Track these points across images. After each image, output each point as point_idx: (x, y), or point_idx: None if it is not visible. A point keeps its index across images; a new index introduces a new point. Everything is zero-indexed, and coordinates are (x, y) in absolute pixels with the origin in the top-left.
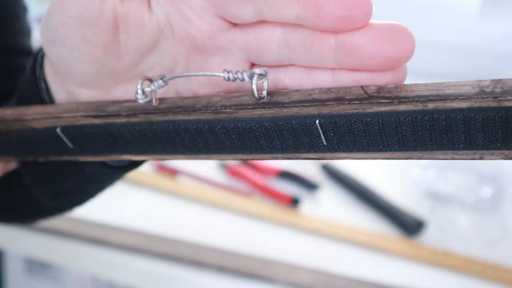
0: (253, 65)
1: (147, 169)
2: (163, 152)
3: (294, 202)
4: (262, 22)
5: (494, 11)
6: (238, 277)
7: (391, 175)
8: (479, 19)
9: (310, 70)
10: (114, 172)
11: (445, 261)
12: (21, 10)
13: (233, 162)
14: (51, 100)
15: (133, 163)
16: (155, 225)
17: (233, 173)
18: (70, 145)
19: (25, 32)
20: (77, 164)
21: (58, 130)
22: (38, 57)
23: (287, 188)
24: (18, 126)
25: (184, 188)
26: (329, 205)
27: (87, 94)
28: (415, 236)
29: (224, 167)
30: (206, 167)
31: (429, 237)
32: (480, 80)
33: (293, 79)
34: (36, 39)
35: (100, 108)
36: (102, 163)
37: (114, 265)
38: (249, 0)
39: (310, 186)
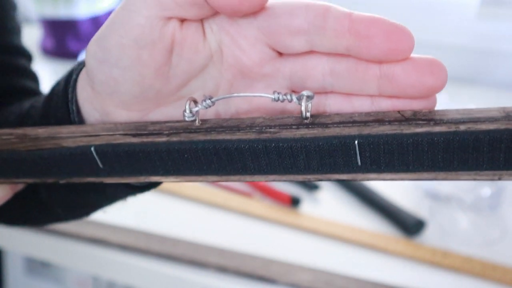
0: (293, 91)
1: None
2: (196, 173)
3: (294, 202)
4: (309, 52)
5: (493, 11)
6: (238, 276)
7: None
8: (477, 19)
9: (350, 97)
10: (134, 192)
11: (445, 261)
12: (11, 8)
13: None
14: (80, 122)
15: (153, 183)
16: (155, 225)
17: None
18: (100, 165)
19: (16, 30)
20: (100, 184)
21: (92, 148)
22: (71, 80)
23: (287, 188)
24: (50, 144)
25: (184, 188)
26: (329, 205)
27: (124, 116)
28: (415, 236)
29: None
30: None
31: (429, 237)
32: (505, 107)
33: (333, 104)
34: (26, 38)
35: (140, 127)
36: (125, 184)
37: (114, 265)
38: (302, 31)
39: (310, 186)
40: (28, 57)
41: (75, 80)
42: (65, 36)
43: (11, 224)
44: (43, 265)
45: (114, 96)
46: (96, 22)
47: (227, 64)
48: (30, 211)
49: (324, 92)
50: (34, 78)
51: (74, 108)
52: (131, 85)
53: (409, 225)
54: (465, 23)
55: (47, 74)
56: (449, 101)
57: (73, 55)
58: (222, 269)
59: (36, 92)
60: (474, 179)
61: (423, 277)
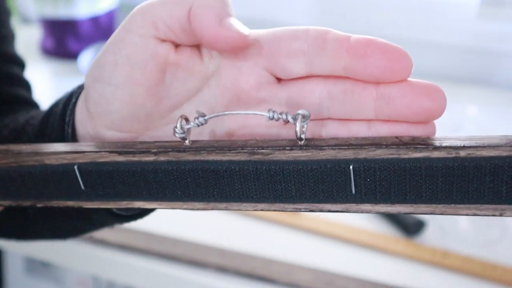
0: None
1: None
2: (181, 199)
3: None
4: (306, 77)
5: (493, 11)
6: (238, 277)
7: None
8: (477, 19)
9: (347, 122)
10: (121, 221)
11: (445, 261)
12: (5, 15)
13: None
14: None
15: (143, 212)
16: (155, 225)
17: None
18: (82, 186)
19: (9, 38)
20: (85, 210)
21: (75, 167)
22: (70, 103)
23: None
24: (32, 161)
25: None
26: None
27: (115, 137)
28: (415, 236)
29: None
30: None
31: (429, 237)
32: (507, 135)
33: (329, 130)
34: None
35: (128, 146)
36: (112, 213)
37: (114, 265)
38: (301, 53)
39: None
40: (21, 65)
41: (74, 104)
42: (65, 36)
43: None
44: (43, 265)
45: (105, 116)
46: (96, 22)
47: (224, 87)
48: (16, 226)
49: (321, 118)
50: (27, 86)
51: (69, 130)
52: (122, 104)
53: (409, 225)
54: (465, 23)
55: (47, 74)
56: (449, 101)
57: (73, 55)
58: (222, 269)
59: (28, 100)
60: (474, 214)
61: (423, 277)
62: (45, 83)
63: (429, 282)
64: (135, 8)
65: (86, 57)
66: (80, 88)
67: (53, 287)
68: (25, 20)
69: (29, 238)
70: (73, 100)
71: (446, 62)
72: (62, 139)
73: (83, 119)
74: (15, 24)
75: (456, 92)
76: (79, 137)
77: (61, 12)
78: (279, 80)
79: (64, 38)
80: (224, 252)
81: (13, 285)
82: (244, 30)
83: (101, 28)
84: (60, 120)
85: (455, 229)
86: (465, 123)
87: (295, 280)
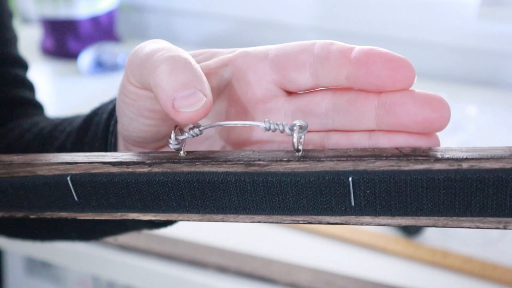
0: None
1: None
2: (177, 211)
3: None
4: (312, 92)
5: (493, 11)
6: (238, 277)
7: None
8: (477, 19)
9: (348, 133)
10: (151, 227)
11: (445, 261)
12: (8, 18)
13: None
14: None
15: (170, 220)
16: None
17: None
18: (75, 198)
19: (13, 40)
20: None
21: (68, 178)
22: (114, 114)
23: None
24: (24, 172)
25: None
26: None
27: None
28: (415, 236)
29: None
30: None
31: (429, 237)
32: (511, 147)
33: (332, 141)
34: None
35: (121, 156)
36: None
37: (114, 265)
38: (308, 65)
39: None
40: (25, 66)
41: None
42: (65, 36)
43: (13, 236)
44: (43, 265)
45: (127, 137)
46: (96, 22)
47: (232, 100)
48: (39, 227)
49: (326, 130)
50: (31, 87)
51: (113, 140)
52: (139, 132)
53: (409, 225)
54: (465, 23)
55: (47, 74)
56: (449, 101)
57: (73, 55)
58: (222, 269)
59: (33, 102)
60: (477, 227)
61: (423, 277)
62: (45, 83)
63: (429, 282)
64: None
65: (86, 57)
66: None
67: (53, 287)
68: (25, 20)
69: (55, 239)
70: None
71: (446, 62)
72: (105, 148)
73: (120, 131)
74: (15, 24)
75: (456, 92)
76: (120, 147)
77: (61, 12)
78: (288, 93)
79: (64, 38)
80: (224, 252)
81: (13, 285)
82: (196, 101)
83: (101, 28)
84: (104, 130)
85: (455, 229)
86: (465, 123)
87: (295, 280)
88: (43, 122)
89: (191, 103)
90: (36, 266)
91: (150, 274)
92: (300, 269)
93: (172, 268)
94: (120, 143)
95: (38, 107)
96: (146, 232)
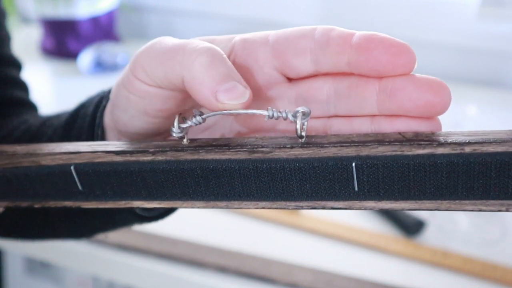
0: None
1: None
2: (181, 198)
3: None
4: (313, 77)
5: (493, 11)
6: (238, 277)
7: None
8: (477, 19)
9: (350, 118)
10: (142, 221)
11: (445, 261)
12: (1, 17)
13: None
14: None
15: (165, 212)
16: (155, 225)
17: None
18: (79, 187)
19: (6, 39)
20: (108, 210)
21: (72, 167)
22: (100, 106)
23: None
24: (27, 162)
25: None
26: None
27: None
28: (415, 236)
29: None
30: None
31: (429, 237)
32: None
33: (335, 127)
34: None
35: (125, 145)
36: (134, 213)
37: (114, 265)
38: (308, 51)
39: None
40: (18, 66)
41: (105, 106)
42: (65, 36)
43: (6, 236)
44: (43, 265)
45: (126, 133)
46: (96, 22)
47: None
48: (32, 225)
49: (328, 116)
50: (24, 87)
51: (99, 133)
52: (139, 129)
53: (409, 225)
54: (465, 23)
55: (47, 74)
56: None
57: (73, 55)
58: (222, 269)
59: (26, 101)
60: (480, 210)
61: (423, 277)
62: (45, 83)
63: (429, 282)
64: (136, 54)
65: (86, 57)
66: (110, 93)
67: (53, 287)
68: (25, 20)
69: (45, 237)
70: (104, 103)
71: (446, 62)
72: (91, 140)
73: (112, 126)
74: (15, 24)
75: (456, 92)
76: (108, 139)
77: (61, 12)
78: (289, 79)
79: (64, 38)
80: (224, 252)
81: (13, 285)
82: (240, 94)
83: (101, 28)
84: (90, 122)
85: (455, 229)
86: (465, 123)
87: (295, 280)
88: (32, 119)
89: (236, 96)
90: (36, 266)
91: (150, 274)
92: (300, 269)
93: (172, 268)
94: (110, 135)
95: (31, 107)
96: (146, 232)
